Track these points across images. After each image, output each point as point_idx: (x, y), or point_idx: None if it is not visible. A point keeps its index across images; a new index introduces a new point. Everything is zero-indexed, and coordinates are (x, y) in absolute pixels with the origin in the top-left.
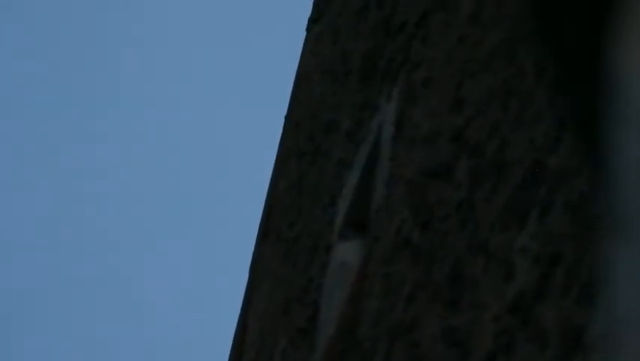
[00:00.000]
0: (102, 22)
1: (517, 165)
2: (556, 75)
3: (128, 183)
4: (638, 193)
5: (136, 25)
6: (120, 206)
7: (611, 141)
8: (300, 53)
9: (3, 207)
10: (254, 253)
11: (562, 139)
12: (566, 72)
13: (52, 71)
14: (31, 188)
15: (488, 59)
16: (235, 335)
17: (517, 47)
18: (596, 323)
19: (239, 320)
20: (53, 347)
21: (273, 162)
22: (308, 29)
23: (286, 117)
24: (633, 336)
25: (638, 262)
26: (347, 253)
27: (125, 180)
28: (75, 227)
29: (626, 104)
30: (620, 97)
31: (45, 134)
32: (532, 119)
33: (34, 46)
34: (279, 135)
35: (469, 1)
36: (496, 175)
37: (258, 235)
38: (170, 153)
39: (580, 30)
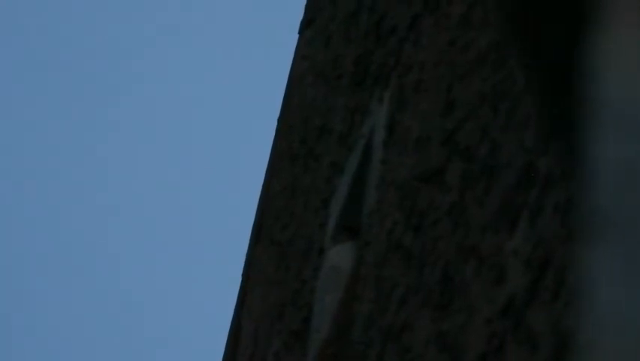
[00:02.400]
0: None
1: (507, 168)
2: (544, 78)
3: (124, 186)
4: (615, 194)
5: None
6: (112, 212)
7: (591, 144)
8: (292, 56)
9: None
10: (247, 256)
11: (552, 142)
12: (545, 78)
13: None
14: (34, 186)
15: (478, 62)
16: (229, 336)
17: (507, 50)
18: (584, 326)
19: (232, 322)
20: (54, 347)
21: (266, 165)
22: (300, 33)
23: (279, 120)
24: (616, 338)
25: (616, 264)
26: (339, 256)
27: (123, 182)
28: (76, 224)
29: (603, 107)
30: (597, 100)
31: (53, 131)
32: (522, 123)
33: (44, 43)
34: (272, 138)
35: (459, 5)
36: (487, 178)
37: (250, 237)
38: (162, 157)
39: (557, 36)
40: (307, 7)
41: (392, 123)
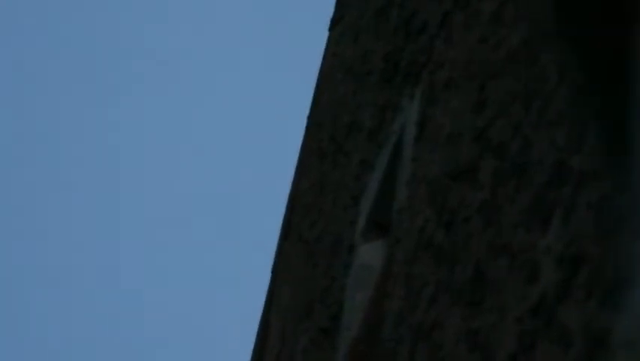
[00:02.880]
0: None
1: (540, 166)
2: (579, 76)
3: (154, 184)
4: None
5: (151, 30)
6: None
7: (636, 142)
8: (321, 54)
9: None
10: (276, 253)
11: (585, 140)
12: (589, 73)
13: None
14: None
15: (510, 59)
16: (258, 333)
17: (539, 47)
18: (620, 325)
19: (261, 319)
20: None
21: (295, 162)
22: (330, 30)
23: (308, 118)
24: None
25: None
26: (370, 254)
27: (154, 180)
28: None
29: None
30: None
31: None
32: (554, 120)
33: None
34: (301, 136)
35: (490, 2)
36: (518, 176)
37: (280, 234)
38: (189, 152)
39: (606, 31)
40: (337, 5)
41: (423, 120)
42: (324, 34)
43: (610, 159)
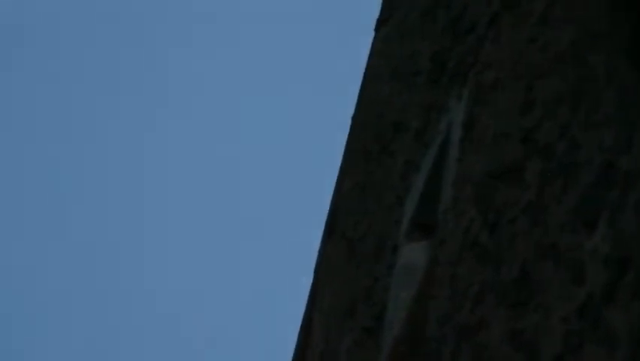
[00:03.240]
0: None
1: (587, 167)
2: (628, 77)
3: (196, 180)
4: None
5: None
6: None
7: None
8: (367, 53)
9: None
10: (319, 252)
11: (633, 141)
12: (638, 74)
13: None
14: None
15: (558, 60)
16: (300, 332)
17: (588, 48)
18: None
19: (304, 318)
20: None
21: (339, 162)
22: (376, 30)
23: (353, 118)
24: None
25: None
26: (414, 254)
27: (196, 177)
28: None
29: None
30: None
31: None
32: (602, 121)
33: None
34: (346, 135)
35: (539, 3)
36: (565, 176)
37: (323, 233)
38: (238, 153)
39: None
40: (383, 4)
41: (469, 121)
42: (370, 35)
43: None
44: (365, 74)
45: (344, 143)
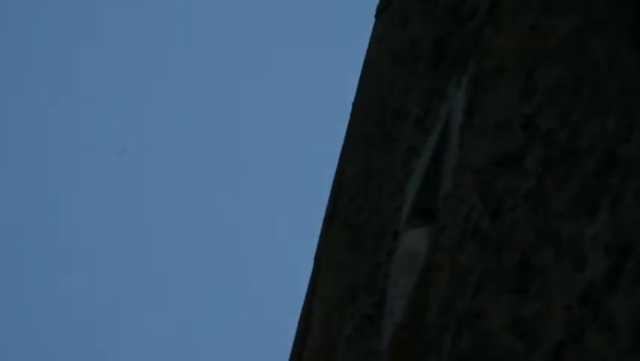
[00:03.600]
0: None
1: (589, 154)
2: (630, 64)
3: (199, 178)
4: None
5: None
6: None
7: None
8: (367, 39)
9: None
10: (319, 239)
11: (634, 128)
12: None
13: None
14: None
15: (560, 47)
16: (300, 320)
17: (589, 35)
18: None
19: (304, 305)
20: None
21: (339, 148)
22: (376, 16)
23: (353, 104)
24: None
25: None
26: (414, 240)
27: (200, 175)
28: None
29: None
30: None
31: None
32: (603, 108)
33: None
34: (346, 122)
35: None
36: (567, 164)
37: (323, 220)
38: (234, 145)
39: None
40: None
41: (470, 107)
42: (370, 21)
43: None
44: (365, 60)
45: (344, 130)
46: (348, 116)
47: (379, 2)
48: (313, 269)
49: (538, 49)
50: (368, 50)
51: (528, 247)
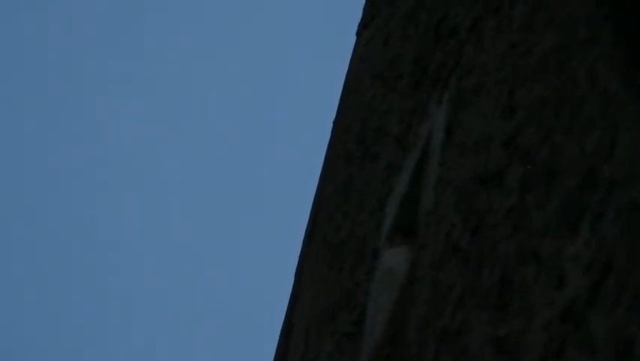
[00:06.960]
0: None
1: (569, 172)
2: (611, 83)
3: (189, 186)
4: None
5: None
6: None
7: None
8: (349, 57)
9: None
10: (300, 256)
11: (615, 146)
12: (622, 80)
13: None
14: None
15: (540, 65)
16: (280, 336)
17: (570, 53)
18: None
19: (284, 322)
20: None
21: (320, 166)
22: (358, 34)
23: (335, 122)
24: None
25: None
26: (395, 258)
27: (190, 182)
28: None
29: None
30: None
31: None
32: (584, 127)
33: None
34: (327, 140)
35: (521, 8)
36: (547, 182)
37: (304, 237)
38: (215, 157)
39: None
40: (365, 8)
41: (451, 125)
42: (352, 39)
43: None
44: (347, 77)
45: (325, 147)
46: (329, 134)
47: (361, 20)
48: (294, 286)
49: (519, 67)
50: (349, 68)
51: (509, 265)
